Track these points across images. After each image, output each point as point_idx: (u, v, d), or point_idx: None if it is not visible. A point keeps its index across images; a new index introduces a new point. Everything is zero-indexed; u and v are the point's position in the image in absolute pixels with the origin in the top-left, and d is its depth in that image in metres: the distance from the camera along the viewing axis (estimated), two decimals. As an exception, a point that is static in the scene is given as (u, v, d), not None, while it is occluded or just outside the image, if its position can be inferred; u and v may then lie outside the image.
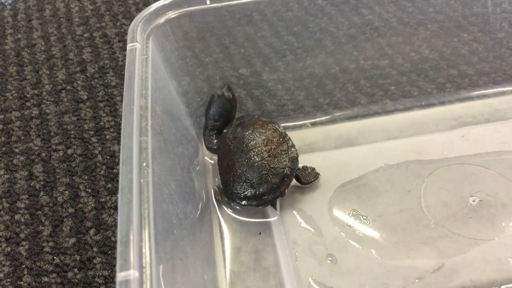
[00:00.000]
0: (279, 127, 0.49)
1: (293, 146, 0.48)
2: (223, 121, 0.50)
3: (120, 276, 0.28)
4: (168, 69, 0.50)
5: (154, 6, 0.48)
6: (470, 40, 0.63)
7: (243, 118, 0.50)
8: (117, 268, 0.28)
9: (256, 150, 0.46)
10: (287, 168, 0.46)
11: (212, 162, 0.53)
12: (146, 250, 0.29)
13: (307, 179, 0.48)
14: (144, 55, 0.43)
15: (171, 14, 0.49)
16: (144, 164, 0.34)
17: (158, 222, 0.33)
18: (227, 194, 0.47)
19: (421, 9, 0.64)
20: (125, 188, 0.32)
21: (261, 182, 0.45)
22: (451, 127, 0.54)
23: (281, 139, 0.48)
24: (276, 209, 0.46)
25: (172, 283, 0.33)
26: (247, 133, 0.47)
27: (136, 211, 0.31)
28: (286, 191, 0.46)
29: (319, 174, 0.49)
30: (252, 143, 0.47)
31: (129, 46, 0.43)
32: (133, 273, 0.28)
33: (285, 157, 0.46)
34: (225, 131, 0.50)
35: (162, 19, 0.48)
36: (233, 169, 0.46)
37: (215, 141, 0.50)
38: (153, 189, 0.33)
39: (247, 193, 0.45)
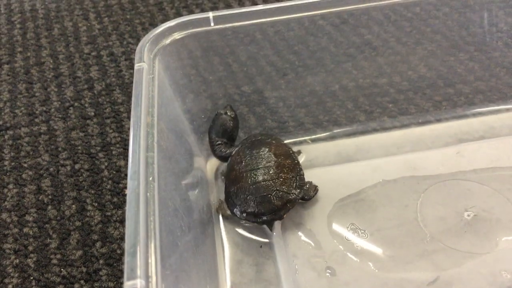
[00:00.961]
0: (293, 153, 0.51)
1: (302, 174, 0.49)
2: (227, 137, 0.53)
3: (127, 285, 0.29)
4: (173, 87, 0.51)
5: (161, 28, 0.50)
6: (466, 59, 0.65)
7: (261, 136, 0.52)
8: (125, 277, 0.29)
9: (266, 169, 0.47)
10: (292, 194, 0.47)
11: (215, 179, 0.54)
12: (152, 261, 0.31)
13: (308, 194, 0.49)
14: (151, 74, 0.45)
15: (177, 35, 0.51)
16: (150, 178, 0.36)
17: (163, 234, 0.34)
18: (228, 203, 0.48)
19: (419, 29, 0.66)
20: (132, 201, 0.34)
21: (263, 201, 0.46)
22: (447, 143, 0.55)
23: (292, 165, 0.49)
24: (271, 230, 0.47)
25: (176, 293, 0.34)
26: (261, 151, 0.49)
27: (143, 223, 0.32)
28: (285, 216, 0.47)
29: (317, 186, 0.50)
30: (264, 162, 0.48)
31: (136, 66, 0.45)
32: (139, 282, 0.29)
33: (293, 183, 0.48)
34: (240, 144, 0.52)
35: (168, 40, 0.50)
36: (240, 182, 0.47)
37: (223, 149, 0.52)
38: (158, 203, 0.35)
39: (247, 209, 0.46)
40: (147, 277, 0.30)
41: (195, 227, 0.45)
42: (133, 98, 0.42)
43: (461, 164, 0.52)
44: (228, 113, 0.53)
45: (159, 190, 0.36)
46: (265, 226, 0.48)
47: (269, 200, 0.46)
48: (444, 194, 0.50)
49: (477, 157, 0.53)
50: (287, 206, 0.47)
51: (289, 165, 0.49)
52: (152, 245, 0.32)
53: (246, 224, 0.49)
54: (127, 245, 0.31)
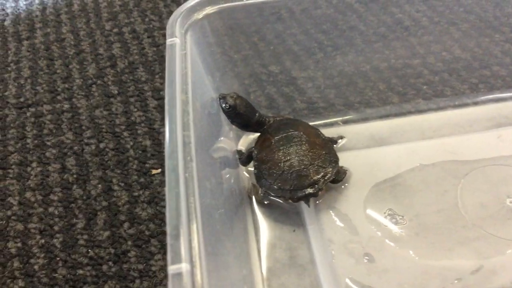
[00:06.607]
0: (322, 134, 0.50)
1: (334, 151, 0.48)
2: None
3: (172, 269, 0.28)
4: (203, 65, 0.50)
5: (192, 1, 0.48)
6: (502, 40, 0.62)
7: (287, 120, 0.51)
8: (169, 261, 0.28)
9: (299, 146, 0.46)
10: (328, 168, 0.46)
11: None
12: (195, 244, 0.30)
13: (338, 176, 0.48)
14: (183, 50, 0.43)
15: (209, 10, 0.49)
16: (188, 158, 0.35)
17: (204, 216, 0.33)
18: (260, 183, 0.46)
19: (452, 9, 0.63)
20: (172, 182, 0.32)
21: (299, 176, 0.45)
22: (485, 127, 0.53)
23: (323, 143, 0.48)
24: (308, 205, 0.46)
25: (217, 277, 0.33)
26: (290, 130, 0.48)
27: (184, 204, 0.31)
28: (321, 192, 0.46)
29: (347, 169, 0.49)
30: (295, 140, 0.47)
31: (168, 41, 0.43)
32: (185, 266, 0.28)
33: (327, 158, 0.47)
34: (266, 126, 0.50)
35: (200, 15, 0.48)
36: (272, 160, 0.46)
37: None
38: (197, 183, 0.33)
39: (283, 185, 0.45)
40: (191, 261, 0.28)
41: (229, 210, 0.43)
42: (167, 75, 0.40)
43: (502, 149, 0.50)
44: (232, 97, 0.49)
45: (196, 170, 0.34)
46: (302, 203, 0.46)
47: (306, 174, 0.45)
48: (485, 180, 0.48)
49: (518, 142, 0.51)
50: (324, 179, 0.45)
51: (320, 143, 0.48)
52: (194, 227, 0.31)
53: (279, 208, 0.47)
54: (169, 227, 0.30)
